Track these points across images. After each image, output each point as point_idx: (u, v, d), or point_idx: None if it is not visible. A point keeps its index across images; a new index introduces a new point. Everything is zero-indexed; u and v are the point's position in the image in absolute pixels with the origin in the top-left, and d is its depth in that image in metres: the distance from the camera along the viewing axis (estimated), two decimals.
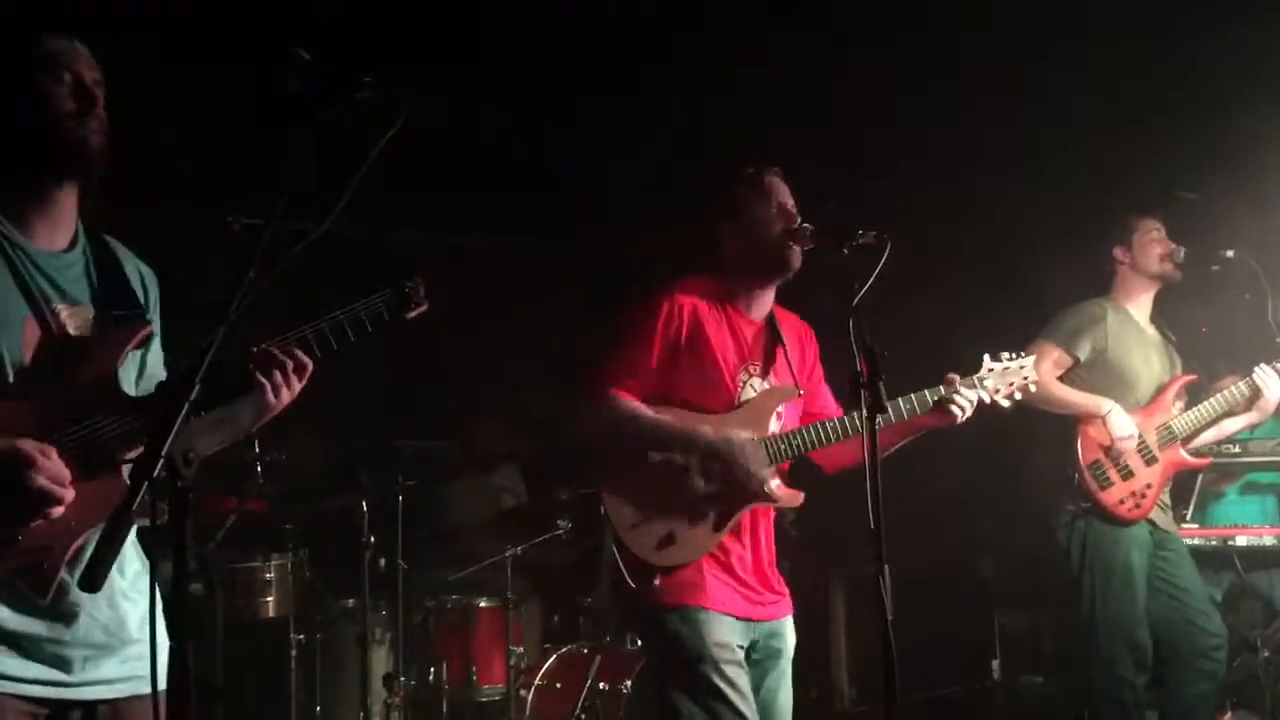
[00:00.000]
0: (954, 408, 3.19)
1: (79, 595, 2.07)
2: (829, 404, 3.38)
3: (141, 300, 2.30)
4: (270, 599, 4.93)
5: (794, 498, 3.24)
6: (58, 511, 1.98)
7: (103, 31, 2.26)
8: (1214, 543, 4.85)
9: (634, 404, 3.10)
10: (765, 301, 3.30)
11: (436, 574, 5.57)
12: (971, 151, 5.31)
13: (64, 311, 2.15)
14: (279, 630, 4.96)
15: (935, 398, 3.19)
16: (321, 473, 5.39)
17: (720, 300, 3.23)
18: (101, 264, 2.25)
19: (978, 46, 4.90)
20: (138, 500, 1.64)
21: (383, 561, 5.19)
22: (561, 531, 5.33)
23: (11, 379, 2.05)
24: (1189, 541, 4.63)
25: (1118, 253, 4.58)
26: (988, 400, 3.26)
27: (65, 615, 2.07)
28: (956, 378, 3.22)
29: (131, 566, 2.22)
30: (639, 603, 3.08)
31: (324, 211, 1.92)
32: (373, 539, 5.12)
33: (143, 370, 2.28)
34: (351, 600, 5.25)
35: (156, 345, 2.33)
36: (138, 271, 2.34)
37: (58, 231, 2.21)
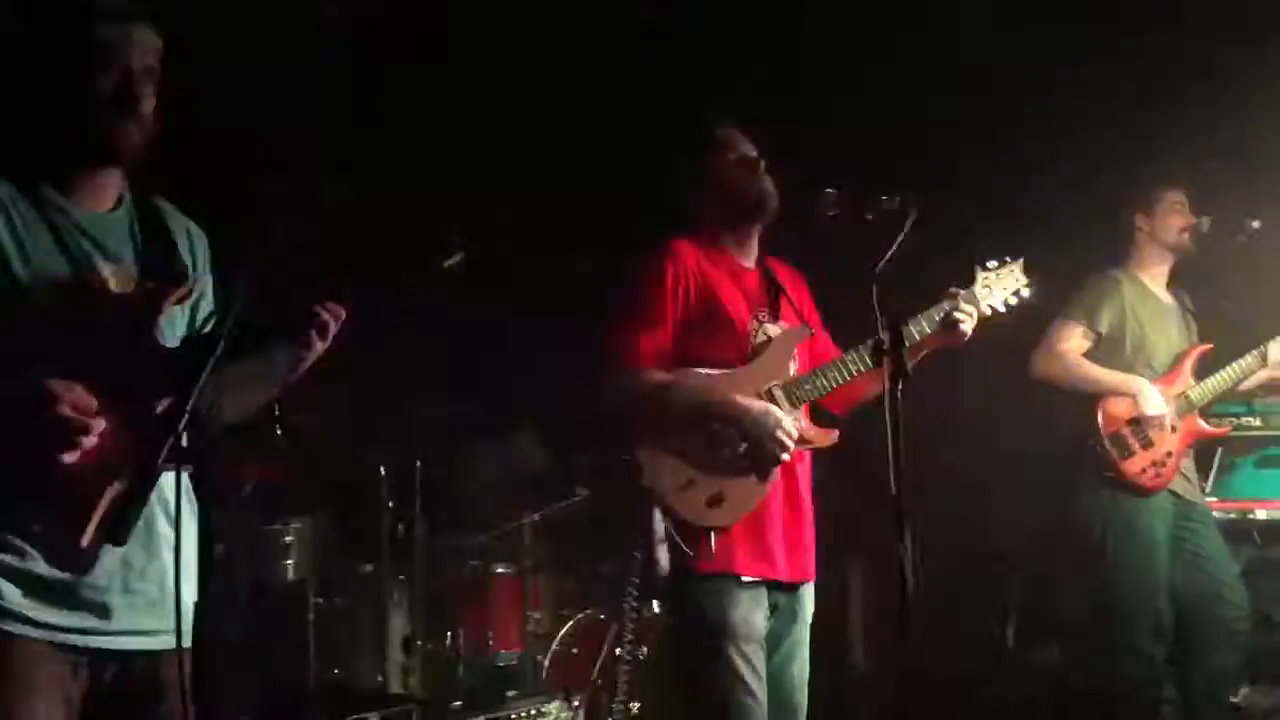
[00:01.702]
0: (960, 324, 3.21)
1: (130, 547, 2.06)
2: (829, 345, 3.40)
3: (187, 259, 2.32)
4: (290, 562, 4.96)
5: (827, 436, 3.24)
6: (89, 441, 1.98)
7: None
8: (1233, 516, 4.83)
9: (656, 376, 3.11)
10: (754, 247, 3.34)
11: (455, 539, 5.59)
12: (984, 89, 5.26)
13: (106, 269, 2.17)
14: (298, 593, 4.99)
15: (940, 315, 3.21)
16: (342, 438, 5.40)
17: (716, 252, 3.26)
18: (147, 224, 2.27)
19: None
20: (164, 453, 1.66)
21: (401, 526, 5.22)
22: (580, 498, 5.34)
23: (51, 334, 2.06)
24: None
25: (1138, 219, 4.56)
26: (988, 312, 3.30)
27: (99, 562, 2.07)
28: (959, 291, 3.25)
29: (178, 514, 2.19)
30: (682, 569, 3.06)
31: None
32: (391, 504, 5.15)
33: (192, 327, 2.30)
34: (370, 565, 5.28)
35: (205, 302, 2.36)
36: (185, 231, 2.36)
37: (102, 194, 2.24)
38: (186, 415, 1.66)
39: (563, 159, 5.61)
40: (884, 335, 2.59)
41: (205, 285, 2.37)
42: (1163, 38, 4.86)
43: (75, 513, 2.01)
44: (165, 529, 2.17)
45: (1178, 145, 4.92)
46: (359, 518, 5.29)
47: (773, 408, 3.11)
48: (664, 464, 3.09)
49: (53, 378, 1.97)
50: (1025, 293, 3.37)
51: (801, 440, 3.14)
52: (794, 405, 3.17)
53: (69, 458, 1.98)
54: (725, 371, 3.16)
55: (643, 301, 3.16)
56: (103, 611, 2.09)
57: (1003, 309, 3.33)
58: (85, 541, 2.01)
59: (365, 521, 5.21)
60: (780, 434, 3.07)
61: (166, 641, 2.11)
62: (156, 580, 2.15)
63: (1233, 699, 4.64)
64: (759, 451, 3.09)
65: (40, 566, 2.04)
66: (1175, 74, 4.98)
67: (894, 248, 2.64)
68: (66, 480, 1.99)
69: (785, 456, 3.10)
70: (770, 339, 3.22)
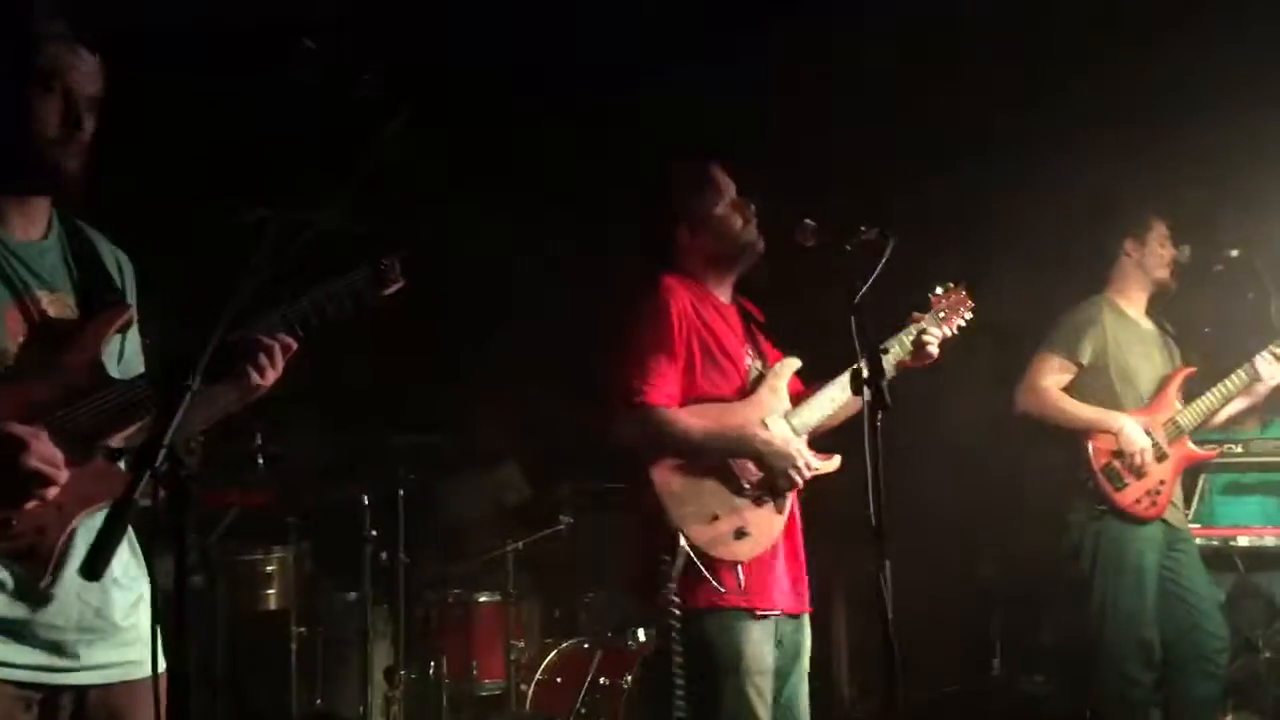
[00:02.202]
0: (928, 345, 3.30)
1: (71, 581, 2.07)
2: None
3: (119, 284, 2.31)
4: (272, 591, 4.94)
5: (830, 461, 3.27)
6: (52, 492, 1.99)
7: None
8: (1215, 543, 4.85)
9: (670, 413, 3.12)
10: (729, 287, 3.38)
11: (438, 568, 5.57)
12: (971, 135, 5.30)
13: (44, 298, 2.16)
14: (280, 622, 4.97)
15: (910, 338, 3.30)
16: (323, 466, 5.39)
17: (703, 291, 3.29)
18: (77, 250, 2.26)
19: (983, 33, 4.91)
20: (139, 489, 1.66)
21: (384, 555, 5.20)
22: (563, 526, 5.33)
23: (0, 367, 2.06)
24: None
25: (1128, 245, 4.56)
26: (949, 334, 3.38)
27: (57, 601, 2.08)
28: (921, 316, 3.35)
29: (122, 553, 2.21)
30: (700, 605, 3.04)
31: (327, 200, 1.94)
32: (374, 533, 5.13)
33: (122, 354, 2.28)
34: (353, 594, 5.25)
35: (134, 331, 2.33)
36: (113, 256, 2.35)
37: (32, 221, 2.22)
38: (163, 451, 1.65)
39: (545, 191, 5.63)
40: (863, 364, 2.59)
41: (132, 314, 2.33)
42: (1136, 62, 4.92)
43: (36, 555, 2.01)
44: (116, 568, 2.16)
45: (1160, 175, 4.96)
46: (341, 546, 5.26)
47: (791, 438, 3.16)
48: (686, 500, 3.07)
49: (8, 415, 1.96)
50: (969, 316, 3.46)
51: (815, 469, 3.19)
52: (798, 434, 3.22)
53: (31, 505, 1.99)
54: (731, 405, 3.18)
55: (650, 337, 3.15)
56: (58, 649, 2.09)
57: (953, 332, 3.41)
58: (43, 584, 2.03)
59: (347, 550, 5.18)
60: (800, 462, 3.12)
61: (121, 673, 2.15)
62: (112, 616, 2.16)
63: None
64: (776, 481, 3.12)
65: (1, 605, 2.04)
66: (1154, 101, 5.03)
67: (872, 278, 2.65)
68: (27, 524, 2.00)
69: (800, 483, 3.15)
70: (762, 373, 3.26)
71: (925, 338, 3.30)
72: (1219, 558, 4.83)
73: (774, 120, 5.15)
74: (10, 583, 2.03)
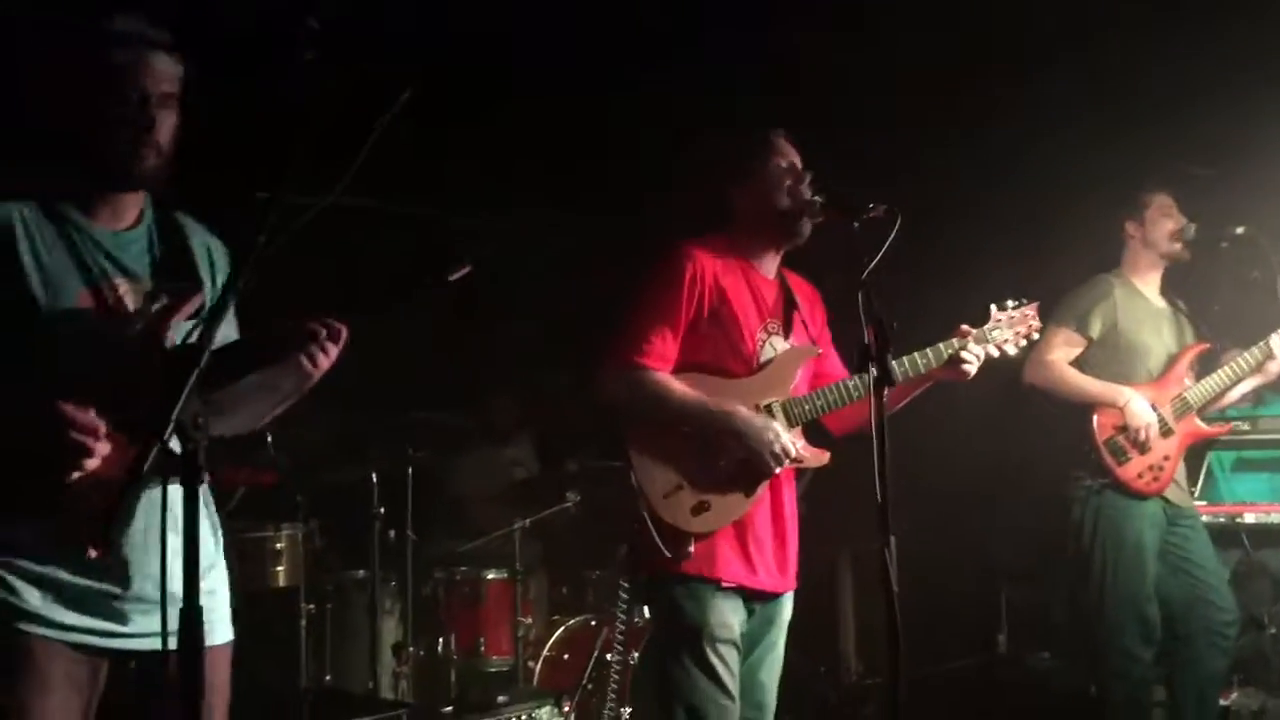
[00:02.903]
0: (965, 364, 3.19)
1: (132, 552, 2.19)
2: (837, 366, 3.40)
3: (205, 274, 2.40)
4: (280, 569, 4.96)
5: (819, 456, 3.24)
6: (91, 464, 2.08)
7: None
8: (1222, 520, 4.84)
9: (660, 377, 3.11)
10: (775, 259, 3.31)
11: (446, 545, 5.60)
12: (983, 113, 5.28)
13: (122, 286, 2.26)
14: (289, 599, 5.00)
15: (949, 351, 3.20)
16: (332, 444, 5.41)
17: (737, 259, 3.24)
18: (166, 239, 2.36)
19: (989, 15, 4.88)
20: (147, 462, 1.69)
21: (392, 533, 5.23)
22: (570, 504, 5.35)
23: (63, 349, 2.16)
24: None
25: (1129, 227, 4.56)
26: (995, 354, 3.27)
27: (117, 571, 2.19)
28: (969, 330, 3.24)
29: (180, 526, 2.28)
30: (664, 570, 3.08)
31: (333, 183, 1.96)
32: (383, 510, 5.16)
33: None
34: (361, 571, 5.28)
35: (229, 317, 2.41)
36: (205, 246, 2.44)
37: (122, 212, 2.33)
38: (172, 425, 1.68)
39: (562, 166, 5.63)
40: (869, 340, 2.60)
41: (220, 299, 2.40)
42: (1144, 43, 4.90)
43: (84, 525, 2.08)
44: (173, 540, 2.20)
45: (1163, 151, 4.95)
46: (350, 524, 5.29)
47: (774, 423, 3.11)
48: (654, 466, 3.09)
49: (66, 395, 2.07)
50: (1036, 337, 3.36)
51: (795, 461, 3.15)
52: (791, 423, 3.17)
53: (75, 476, 2.08)
54: (728, 381, 3.16)
55: (657, 300, 3.14)
56: (117, 615, 2.20)
57: (1012, 352, 3.31)
58: (94, 554, 2.10)
59: (356, 527, 5.21)
60: (778, 449, 3.08)
61: (171, 642, 2.19)
62: (172, 587, 2.18)
63: (1222, 702, 4.65)
64: (752, 464, 3.10)
65: (58, 572, 2.15)
66: (1160, 79, 5.01)
67: (880, 254, 2.65)
68: (75, 495, 2.09)
69: (777, 470, 3.12)
70: (776, 354, 3.22)
71: (965, 355, 3.19)
72: (1226, 535, 4.83)
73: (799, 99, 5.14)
74: (70, 553, 2.13)
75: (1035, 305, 3.35)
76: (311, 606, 5.07)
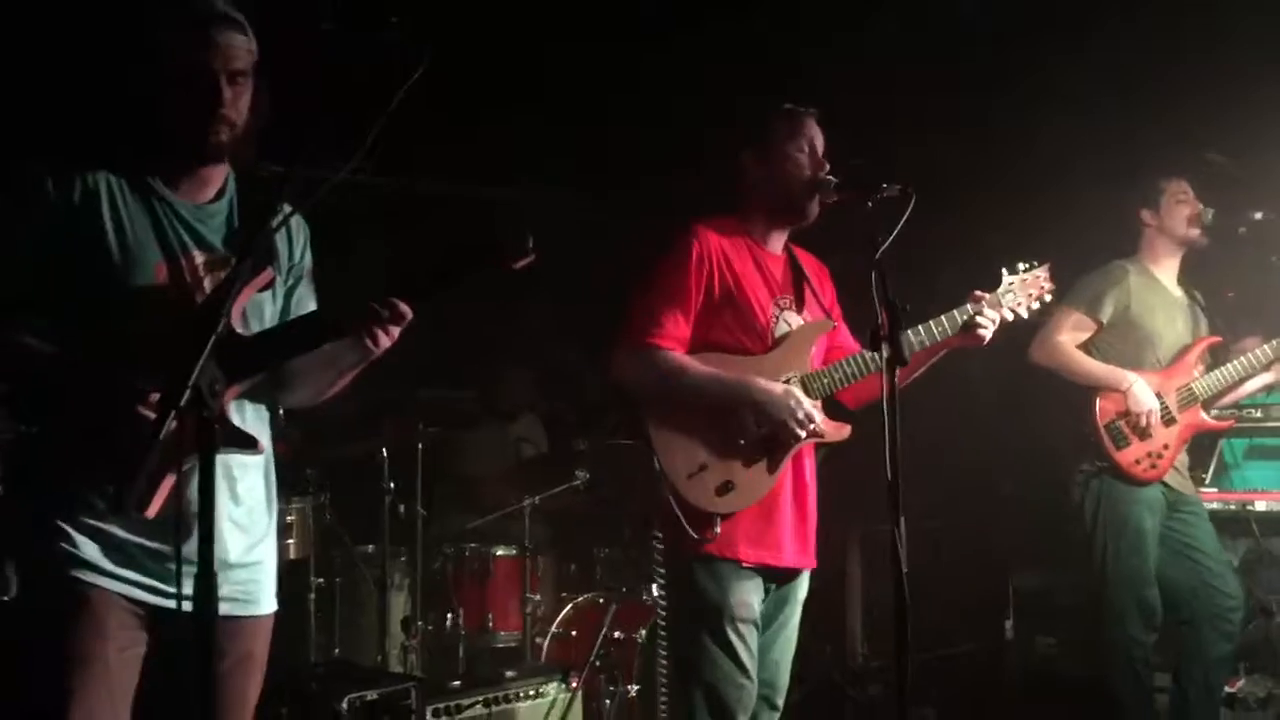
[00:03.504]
0: (980, 329, 3.19)
1: (186, 517, 2.19)
2: (849, 339, 3.40)
3: (283, 248, 2.46)
4: (291, 541, 4.98)
5: (840, 430, 3.23)
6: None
7: None
8: (1232, 507, 4.83)
9: (675, 356, 3.10)
10: (782, 237, 3.31)
11: (455, 521, 5.62)
12: (1001, 93, 5.26)
13: (199, 258, 2.32)
14: (299, 572, 5.02)
15: (964, 318, 3.20)
16: (344, 418, 5.43)
17: (743, 236, 3.23)
18: (247, 213, 2.40)
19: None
20: (164, 428, 1.71)
21: (402, 508, 5.24)
22: (579, 482, 5.36)
23: (134, 318, 2.22)
24: (1207, 505, 4.62)
25: (1145, 215, 4.54)
26: (1010, 317, 3.28)
27: (170, 533, 2.22)
28: (983, 295, 3.23)
29: (250, 496, 2.39)
30: (686, 549, 3.08)
31: (349, 157, 1.97)
32: (393, 485, 5.18)
33: (285, 313, 2.46)
34: (371, 545, 5.30)
35: (303, 289, 2.50)
36: (286, 222, 2.46)
37: (205, 185, 2.39)
38: (189, 391, 1.70)
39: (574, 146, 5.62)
40: (882, 321, 2.59)
41: (302, 269, 2.51)
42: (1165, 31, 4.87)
43: (142, 489, 2.13)
44: (232, 509, 2.34)
45: (1180, 137, 4.92)
46: (360, 498, 5.31)
47: (795, 390, 3.11)
48: (677, 447, 3.08)
49: (132, 364, 2.13)
50: (1049, 298, 3.37)
51: (816, 435, 3.14)
52: (811, 397, 3.17)
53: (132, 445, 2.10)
54: (745, 358, 3.15)
55: (667, 280, 3.14)
56: (167, 576, 2.25)
57: (1025, 315, 3.32)
58: (150, 513, 2.16)
59: (366, 502, 5.23)
60: (801, 415, 3.07)
61: (229, 609, 2.32)
62: (220, 552, 2.26)
63: (1229, 689, 4.65)
64: (777, 434, 3.10)
65: (115, 528, 2.23)
66: (1177, 65, 4.98)
67: (894, 234, 2.65)
68: (136, 460, 2.07)
69: (802, 436, 3.11)
70: (791, 329, 3.21)
71: (980, 319, 3.18)
72: (1236, 523, 4.83)
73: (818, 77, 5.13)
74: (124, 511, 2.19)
75: (1047, 267, 3.36)
76: (321, 580, 5.10)
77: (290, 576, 5.02)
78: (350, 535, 5.40)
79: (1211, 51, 4.87)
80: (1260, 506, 4.82)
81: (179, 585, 2.02)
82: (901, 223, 2.66)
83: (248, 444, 2.23)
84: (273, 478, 2.46)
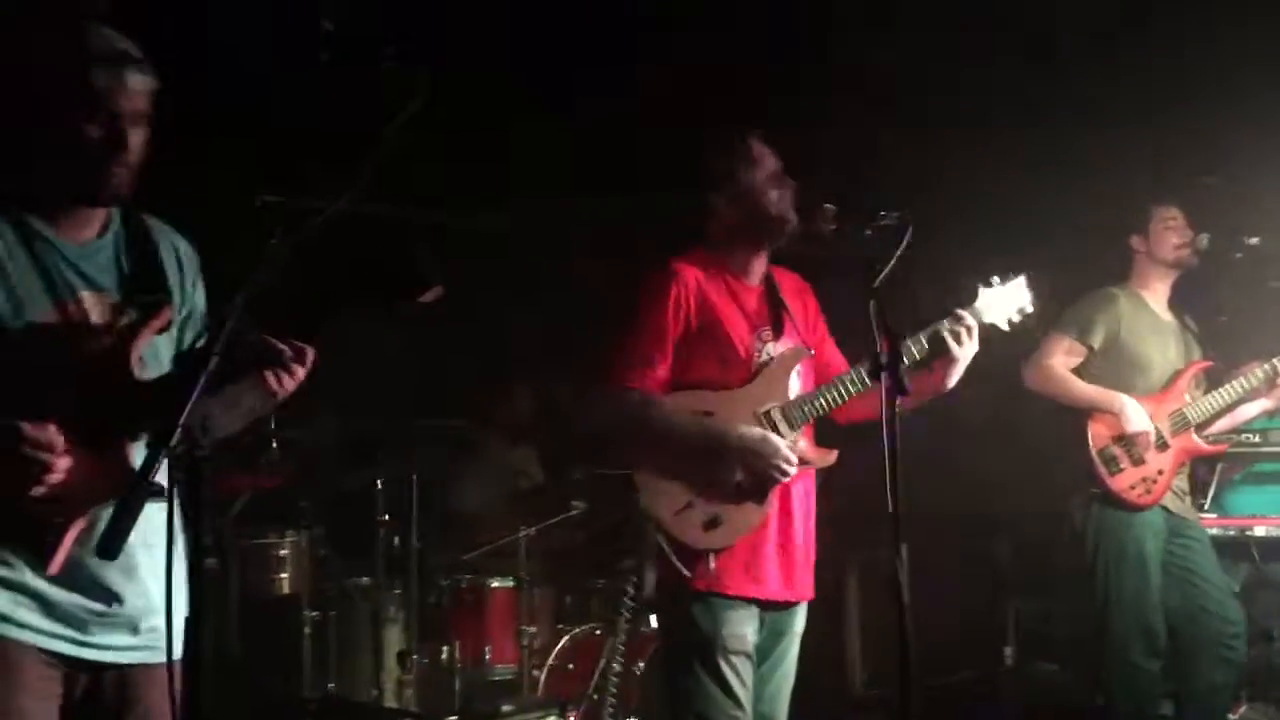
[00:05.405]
0: (961, 345, 3.15)
1: (97, 566, 2.14)
2: (835, 356, 3.39)
3: (174, 281, 2.33)
4: (284, 575, 4.95)
5: (825, 457, 3.22)
6: (54, 478, 2.04)
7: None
8: (1232, 532, 4.82)
9: (649, 398, 3.10)
10: (761, 265, 3.30)
11: (451, 553, 5.58)
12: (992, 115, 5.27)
13: (88, 299, 2.20)
14: (293, 607, 4.98)
15: (945, 330, 3.16)
16: (337, 450, 5.40)
17: (719, 271, 3.23)
18: (134, 248, 2.29)
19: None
20: (154, 469, 1.67)
21: (397, 540, 5.21)
22: (575, 513, 5.33)
23: (29, 369, 2.10)
24: (1207, 531, 4.60)
25: (1134, 241, 4.56)
26: (989, 324, 3.26)
27: (82, 583, 2.15)
28: (961, 311, 3.21)
29: (156, 541, 2.24)
30: (685, 588, 3.06)
31: (346, 186, 1.94)
32: (387, 517, 5.14)
33: (180, 348, 2.32)
34: (366, 578, 5.26)
35: (195, 322, 2.37)
36: (173, 250, 2.37)
37: (88, 224, 2.26)
38: (179, 431, 1.67)
39: (566, 163, 5.60)
40: (881, 351, 2.58)
41: (195, 304, 2.39)
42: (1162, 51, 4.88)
43: (45, 542, 2.08)
44: (144, 556, 2.23)
45: (1174, 162, 4.93)
46: (354, 531, 5.27)
47: (770, 435, 3.09)
48: (661, 487, 3.08)
49: (28, 411, 2.02)
50: (1029, 309, 3.36)
51: (800, 461, 3.13)
52: (793, 427, 3.15)
53: (36, 492, 2.04)
54: (722, 393, 3.14)
55: (642, 322, 3.14)
56: (80, 625, 2.17)
57: (1005, 326, 3.31)
58: (53, 570, 2.09)
59: (361, 535, 5.19)
60: (778, 460, 3.06)
61: (137, 657, 2.23)
62: (133, 602, 2.22)
63: (1231, 716, 4.63)
64: (757, 478, 3.09)
65: (25, 576, 2.12)
66: (1172, 89, 4.99)
67: (892, 263, 2.64)
68: (37, 511, 2.06)
69: (789, 476, 3.10)
70: (772, 359, 3.20)
71: (958, 328, 3.16)
72: (1236, 547, 4.81)
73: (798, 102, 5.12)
74: (33, 559, 2.10)
75: (1023, 277, 3.34)
76: (315, 614, 5.05)
77: (284, 611, 4.99)
78: (345, 568, 5.36)
79: (1204, 70, 4.89)
80: (1260, 531, 4.81)
81: (169, 637, 1.95)
82: (900, 251, 2.65)
83: (160, 493, 2.03)
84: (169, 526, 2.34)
